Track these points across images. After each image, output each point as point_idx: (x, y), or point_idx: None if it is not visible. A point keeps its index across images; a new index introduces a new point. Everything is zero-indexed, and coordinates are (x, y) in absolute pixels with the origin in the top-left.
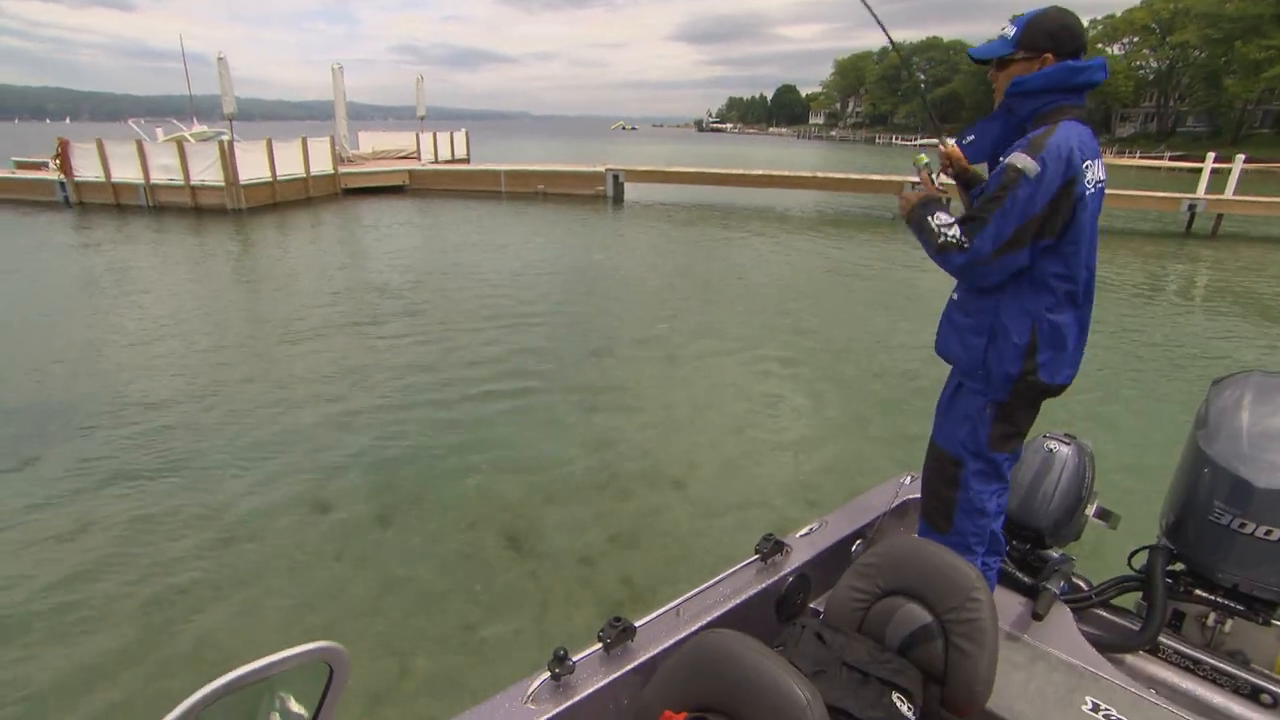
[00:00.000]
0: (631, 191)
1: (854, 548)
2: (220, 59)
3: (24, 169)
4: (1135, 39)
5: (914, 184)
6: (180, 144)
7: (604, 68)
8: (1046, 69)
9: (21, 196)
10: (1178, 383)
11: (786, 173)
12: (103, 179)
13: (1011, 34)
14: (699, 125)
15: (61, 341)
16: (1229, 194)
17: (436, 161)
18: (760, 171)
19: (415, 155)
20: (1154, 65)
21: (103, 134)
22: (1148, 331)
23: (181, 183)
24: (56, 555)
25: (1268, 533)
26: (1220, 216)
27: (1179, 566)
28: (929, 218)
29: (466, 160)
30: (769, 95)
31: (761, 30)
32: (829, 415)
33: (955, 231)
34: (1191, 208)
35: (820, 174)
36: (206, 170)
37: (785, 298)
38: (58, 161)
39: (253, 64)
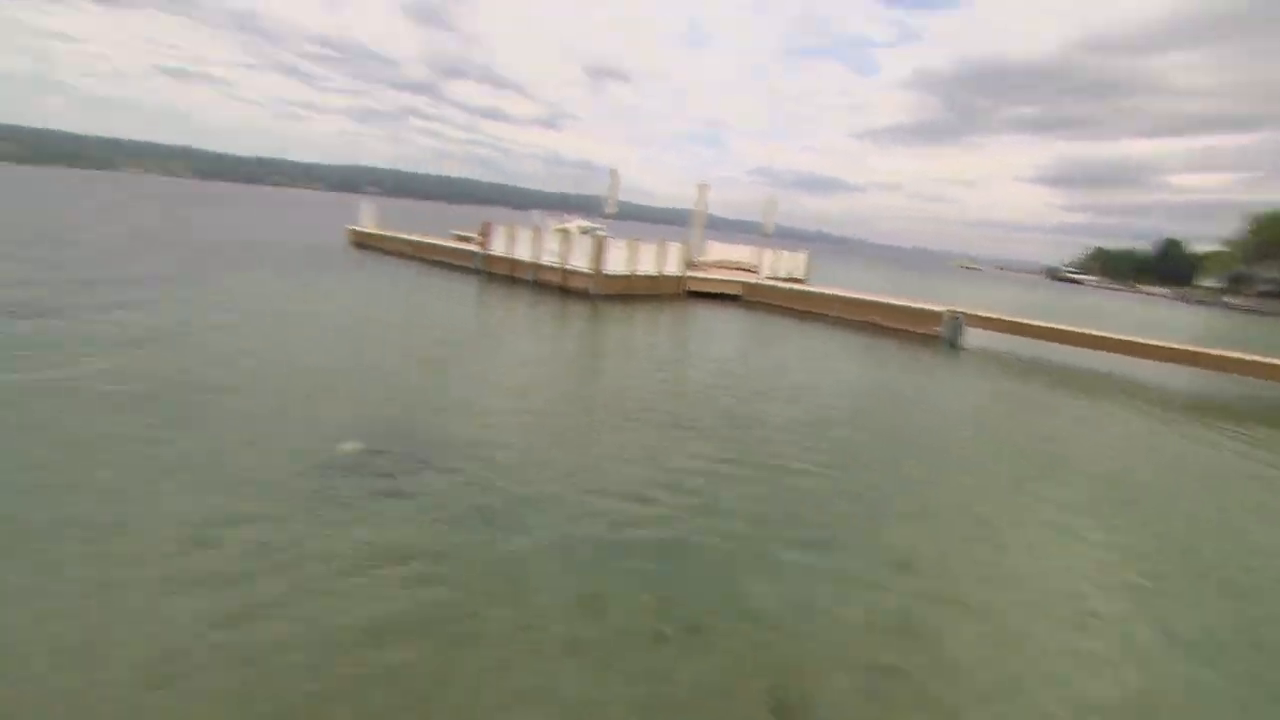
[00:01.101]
0: (973, 338)
1: None
2: (614, 171)
3: (458, 240)
4: None
5: None
6: (565, 234)
7: (947, 203)
8: None
9: (452, 261)
10: None
11: (1158, 342)
12: (506, 255)
13: None
14: (1052, 273)
15: (441, 381)
16: None
17: (774, 277)
18: (1126, 337)
19: (754, 269)
20: None
21: (514, 220)
22: None
23: (559, 266)
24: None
25: None
26: None
27: None
28: None
29: (803, 280)
30: (1144, 247)
31: (1145, 178)
32: (1192, 670)
33: None
34: None
35: (1199, 349)
36: (580, 258)
37: (1146, 494)
38: (480, 237)
39: (633, 173)
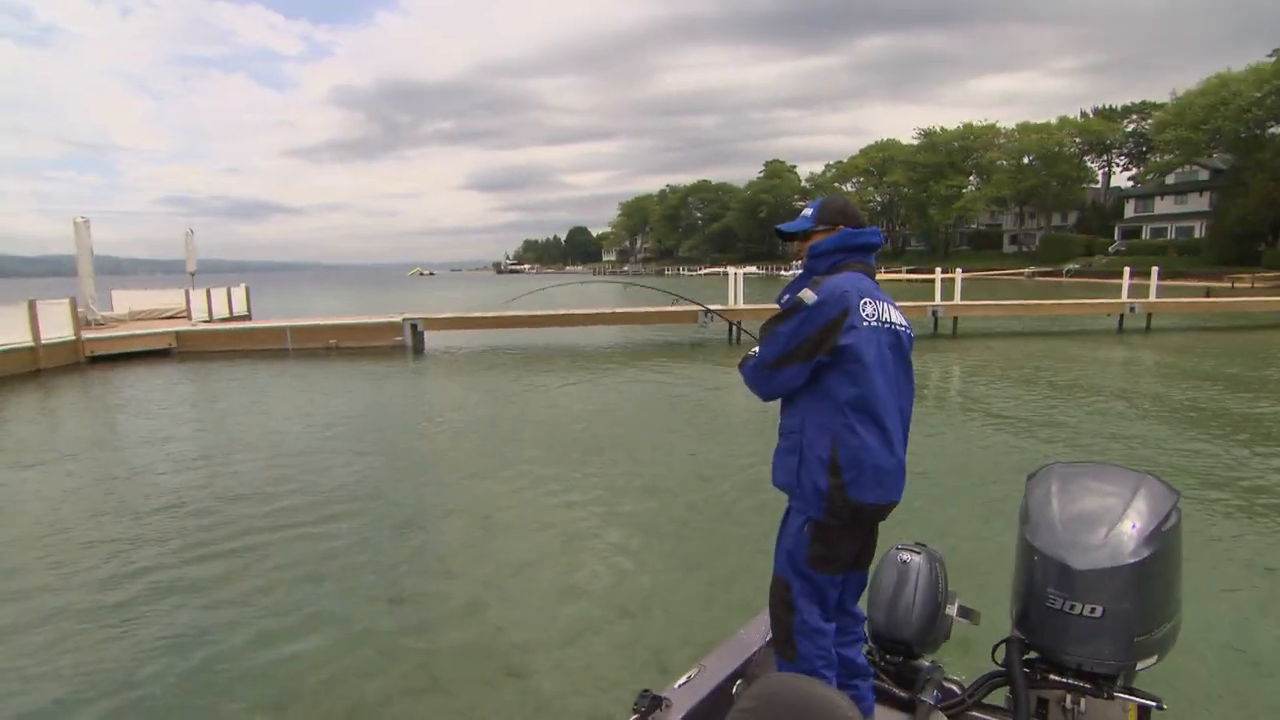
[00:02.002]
0: (433, 340)
1: (735, 688)
2: None
3: None
4: (861, 179)
5: (707, 310)
6: None
7: (396, 216)
8: (835, 235)
9: None
10: (990, 477)
11: (588, 310)
12: None
13: (810, 213)
14: (498, 267)
15: None
16: (958, 300)
17: (211, 320)
18: (562, 311)
19: (185, 314)
20: (879, 199)
21: None
22: (954, 434)
23: None
24: None
25: (1091, 610)
26: (956, 319)
27: (1034, 655)
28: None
29: (248, 316)
30: (562, 236)
31: (548, 179)
32: (663, 560)
33: (755, 348)
34: (934, 313)
35: (619, 309)
36: None
37: (603, 436)
38: None
39: None
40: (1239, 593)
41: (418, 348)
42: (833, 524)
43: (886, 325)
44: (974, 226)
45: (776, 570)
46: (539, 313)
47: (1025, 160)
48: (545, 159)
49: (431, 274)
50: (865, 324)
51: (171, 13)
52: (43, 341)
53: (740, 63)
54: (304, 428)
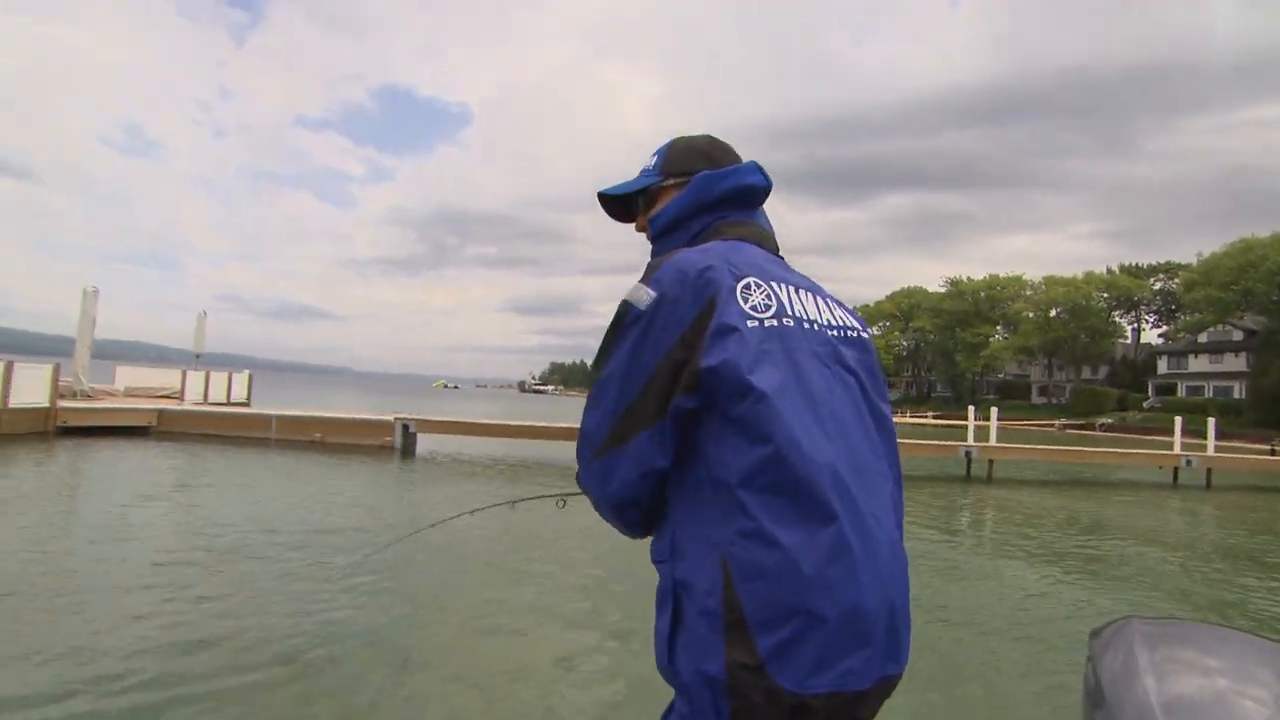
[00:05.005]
0: (426, 444)
1: None
2: None
3: None
4: (888, 323)
5: None
6: None
7: (431, 329)
8: (684, 190)
9: None
10: (1025, 642)
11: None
12: None
13: (654, 163)
14: (521, 386)
15: None
16: (993, 442)
17: (205, 403)
18: (568, 425)
19: (178, 394)
20: (905, 343)
21: None
22: (974, 585)
23: None
24: None
25: None
26: (991, 461)
27: None
28: None
29: (246, 404)
30: (589, 361)
31: (580, 307)
32: None
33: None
34: (968, 453)
35: None
36: None
37: (601, 568)
38: None
39: (45, 302)
40: None
41: (408, 449)
42: None
43: (810, 325)
44: (1001, 375)
45: None
46: (545, 424)
47: (1052, 313)
48: (580, 288)
49: (456, 387)
50: (752, 321)
51: (259, 135)
52: (10, 405)
53: (778, 215)
54: (251, 523)
